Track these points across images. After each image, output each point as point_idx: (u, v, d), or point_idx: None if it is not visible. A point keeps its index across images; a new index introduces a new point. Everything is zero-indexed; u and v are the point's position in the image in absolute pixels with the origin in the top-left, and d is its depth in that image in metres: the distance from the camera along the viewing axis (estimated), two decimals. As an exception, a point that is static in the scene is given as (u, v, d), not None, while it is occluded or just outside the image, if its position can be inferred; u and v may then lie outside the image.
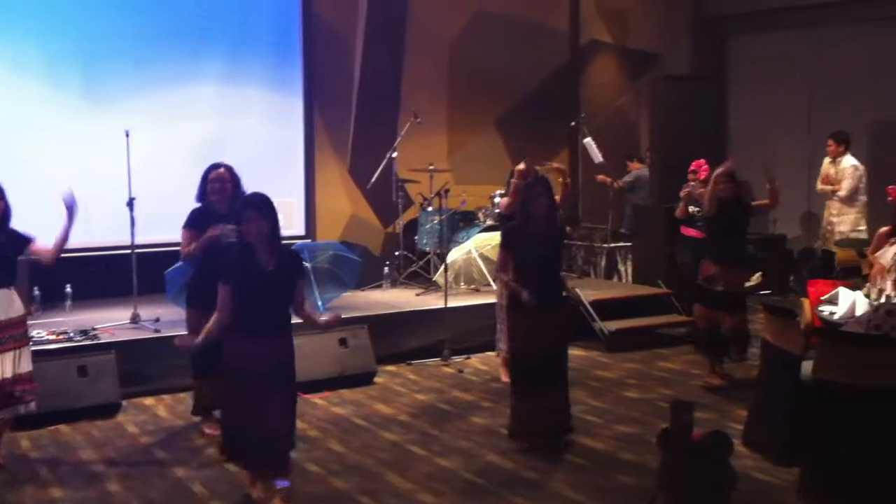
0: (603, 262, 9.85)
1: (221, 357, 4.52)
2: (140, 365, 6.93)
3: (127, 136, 7.58)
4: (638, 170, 10.77)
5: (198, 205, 5.85)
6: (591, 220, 11.26)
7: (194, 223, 5.77)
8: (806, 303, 6.16)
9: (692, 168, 8.61)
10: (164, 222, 8.49)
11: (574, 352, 7.89)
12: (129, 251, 7.61)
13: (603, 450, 5.62)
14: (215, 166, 5.84)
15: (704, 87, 9.84)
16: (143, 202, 7.62)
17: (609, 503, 4.70)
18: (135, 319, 7.47)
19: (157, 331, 7.25)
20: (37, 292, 7.78)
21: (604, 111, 11.92)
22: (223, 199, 5.71)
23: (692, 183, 9.00)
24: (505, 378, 6.86)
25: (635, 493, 4.84)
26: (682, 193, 8.49)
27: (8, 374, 5.23)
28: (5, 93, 8.58)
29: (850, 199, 9.34)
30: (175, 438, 6.02)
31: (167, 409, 6.70)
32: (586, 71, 11.98)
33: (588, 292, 8.67)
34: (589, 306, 8.42)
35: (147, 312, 7.57)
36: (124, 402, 6.68)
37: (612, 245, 9.57)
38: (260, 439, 4.42)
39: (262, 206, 4.45)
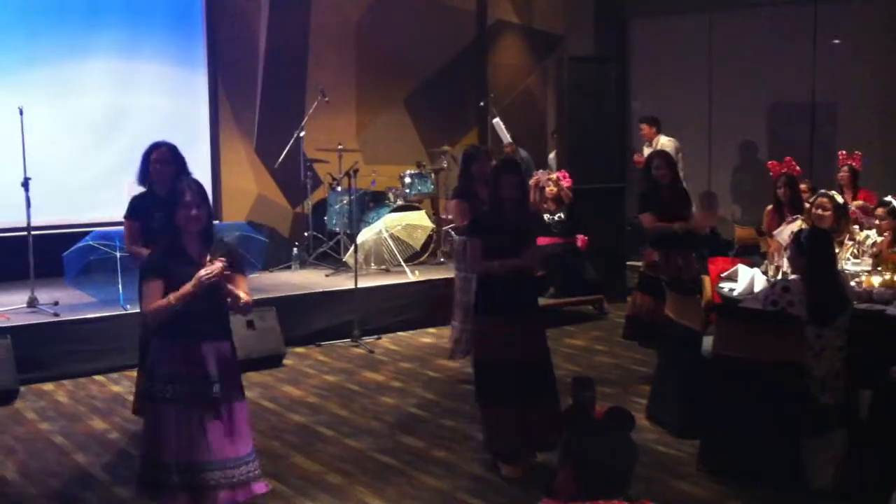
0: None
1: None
2: (38, 350, 6.71)
3: (21, 113, 7.27)
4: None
5: (139, 189, 5.42)
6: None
7: (136, 212, 5.39)
8: (706, 280, 6.34)
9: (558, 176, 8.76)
10: (61, 202, 8.27)
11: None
12: (24, 233, 7.33)
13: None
14: (157, 145, 5.39)
15: (607, 68, 9.98)
16: (38, 182, 7.34)
17: (521, 485, 4.75)
18: (32, 303, 7.21)
19: (56, 315, 7.02)
20: None
21: (511, 92, 12.00)
22: (164, 180, 5.23)
23: (541, 172, 9.15)
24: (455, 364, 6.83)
25: (547, 470, 4.91)
26: (531, 182, 8.48)
27: None
28: None
29: None
30: (76, 424, 5.85)
31: (67, 394, 6.50)
32: (493, 51, 12.02)
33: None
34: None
35: (45, 296, 7.33)
36: (22, 388, 6.46)
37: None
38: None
39: (200, 196, 3.97)
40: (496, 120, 10.21)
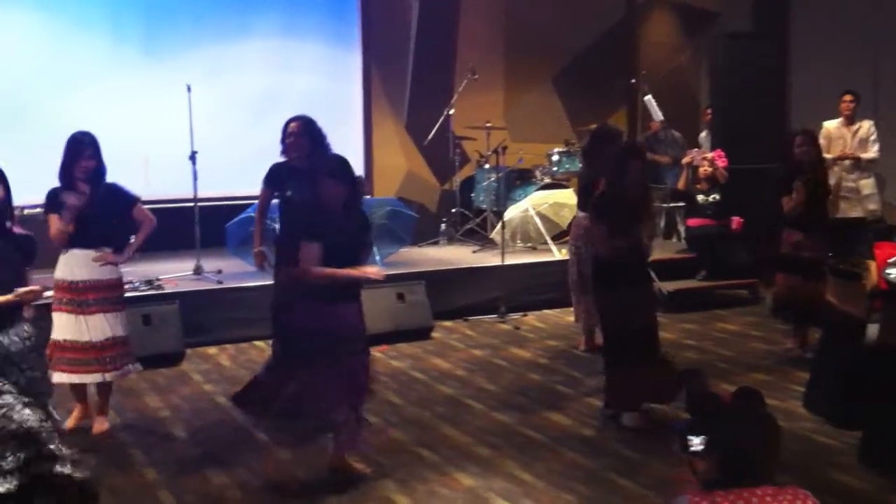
0: (662, 222, 9.75)
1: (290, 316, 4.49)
2: (203, 315, 7.08)
3: (189, 90, 7.65)
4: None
5: (281, 159, 5.67)
6: (648, 179, 11.11)
7: (269, 180, 5.67)
8: (872, 265, 6.05)
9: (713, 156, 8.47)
10: (225, 175, 8.66)
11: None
12: (191, 204, 7.74)
13: (661, 410, 5.60)
14: (292, 119, 5.59)
15: (766, 45, 9.60)
16: (204, 156, 7.72)
17: (665, 463, 4.70)
18: (198, 271, 7.62)
19: (219, 282, 7.39)
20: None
21: (662, 70, 11.72)
22: (299, 153, 5.50)
23: (695, 151, 8.85)
24: (582, 346, 6.92)
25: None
26: (683, 161, 8.28)
27: (97, 337, 5.13)
28: (70, 49, 8.73)
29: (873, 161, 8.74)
30: (238, 388, 6.12)
31: (230, 358, 6.84)
32: (644, 28, 11.77)
33: (646, 252, 8.60)
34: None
35: (209, 264, 7.72)
36: (188, 351, 6.83)
37: (672, 205, 9.45)
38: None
39: (340, 173, 4.32)
40: (648, 97, 10.00)
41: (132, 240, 5.32)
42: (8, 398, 3.66)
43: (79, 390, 5.33)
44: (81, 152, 5.02)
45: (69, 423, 5.16)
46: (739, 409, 2.44)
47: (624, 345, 5.27)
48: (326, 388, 4.32)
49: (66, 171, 5.05)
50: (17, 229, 4.10)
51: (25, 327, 3.94)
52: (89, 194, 5.06)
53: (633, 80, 10.68)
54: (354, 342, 4.45)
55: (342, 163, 4.41)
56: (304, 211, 4.78)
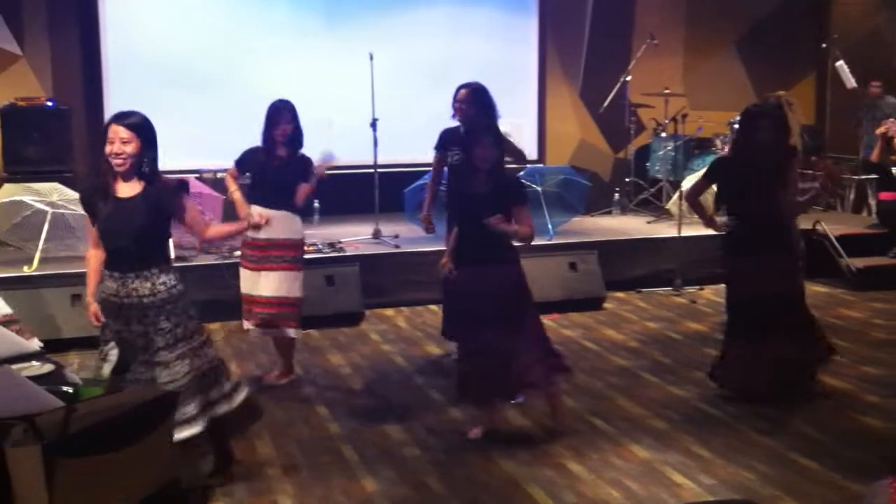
0: (852, 195, 9.24)
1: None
2: (381, 278, 7.31)
3: (371, 58, 7.85)
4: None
5: (454, 124, 5.79)
6: (838, 149, 10.56)
7: (439, 146, 5.88)
8: None
9: None
10: (403, 142, 8.86)
11: (816, 288, 7.58)
12: (371, 170, 7.97)
13: (846, 390, 5.37)
14: (461, 86, 5.72)
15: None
16: (384, 123, 7.92)
17: (852, 446, 4.50)
18: (376, 235, 7.86)
19: (396, 247, 7.61)
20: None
21: (855, 33, 11.03)
22: (464, 121, 5.63)
23: (891, 121, 8.23)
24: None
25: (880, 435, 4.63)
26: (877, 131, 7.74)
27: (267, 292, 5.34)
28: (255, 20, 9.14)
29: None
30: (413, 348, 6.34)
31: (406, 320, 7.05)
32: (838, -11, 11.11)
33: (834, 226, 8.20)
34: (835, 241, 7.97)
35: (387, 229, 7.94)
36: (367, 312, 7.08)
37: (863, 177, 8.93)
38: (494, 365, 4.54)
39: (491, 135, 4.58)
40: (840, 63, 9.46)
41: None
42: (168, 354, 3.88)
43: (275, 342, 5.64)
44: (280, 118, 5.33)
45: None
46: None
47: (744, 319, 5.10)
48: (513, 349, 4.50)
49: (267, 134, 5.37)
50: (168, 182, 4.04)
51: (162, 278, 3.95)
52: (285, 157, 5.36)
53: (824, 45, 10.12)
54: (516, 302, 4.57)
55: (491, 128, 4.67)
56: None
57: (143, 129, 3.89)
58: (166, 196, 3.94)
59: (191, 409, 3.87)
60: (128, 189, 3.91)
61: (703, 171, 5.72)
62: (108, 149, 3.86)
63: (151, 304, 3.89)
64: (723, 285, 7.71)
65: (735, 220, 5.17)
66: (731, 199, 5.20)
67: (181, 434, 3.76)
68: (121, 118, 3.90)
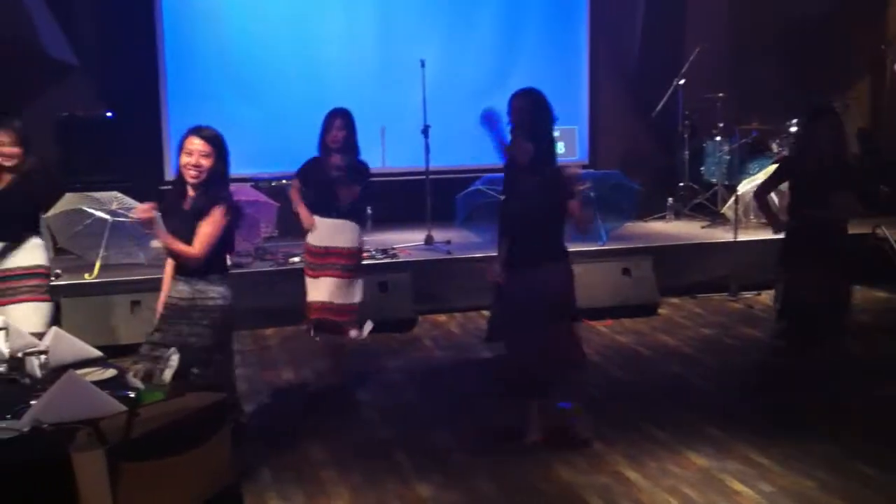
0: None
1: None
2: (433, 284, 7.33)
3: (422, 65, 7.89)
4: None
5: None
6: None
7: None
8: None
9: None
10: (455, 149, 8.90)
11: (875, 293, 7.44)
12: (423, 176, 8.00)
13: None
14: (515, 93, 5.42)
15: None
16: (435, 129, 7.96)
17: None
18: (428, 241, 7.89)
19: (448, 253, 7.62)
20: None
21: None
22: (519, 124, 5.58)
23: None
24: None
25: None
26: None
27: (325, 298, 5.35)
28: (310, 29, 9.25)
29: None
30: (466, 355, 6.34)
31: (458, 326, 7.06)
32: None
33: (895, 231, 8.01)
34: (895, 245, 7.81)
35: (439, 235, 7.96)
36: (419, 318, 7.11)
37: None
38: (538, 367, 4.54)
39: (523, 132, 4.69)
40: (899, 65, 9.27)
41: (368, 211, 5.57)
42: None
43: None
44: (332, 124, 5.37)
45: None
46: None
47: (798, 326, 5.23)
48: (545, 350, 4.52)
49: (320, 141, 5.42)
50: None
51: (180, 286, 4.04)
52: (340, 163, 5.38)
53: (883, 47, 9.91)
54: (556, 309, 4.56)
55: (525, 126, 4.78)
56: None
57: (219, 143, 3.98)
58: (205, 205, 3.98)
59: None
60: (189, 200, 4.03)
61: (772, 170, 5.89)
62: (184, 160, 3.94)
63: (212, 307, 3.99)
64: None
65: (799, 219, 5.25)
66: (800, 199, 5.29)
67: None
68: (199, 131, 3.97)
